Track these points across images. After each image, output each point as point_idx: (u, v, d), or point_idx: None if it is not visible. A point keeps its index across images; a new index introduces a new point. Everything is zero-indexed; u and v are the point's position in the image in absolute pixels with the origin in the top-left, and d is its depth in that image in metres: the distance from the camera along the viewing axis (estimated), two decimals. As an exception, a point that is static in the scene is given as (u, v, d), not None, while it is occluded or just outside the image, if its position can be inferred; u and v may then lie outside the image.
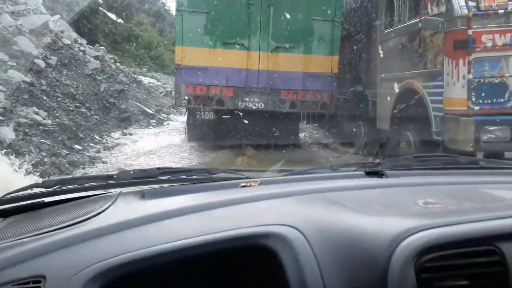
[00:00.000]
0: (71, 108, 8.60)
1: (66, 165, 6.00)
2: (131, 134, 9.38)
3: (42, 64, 9.14)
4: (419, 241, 0.72)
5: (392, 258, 0.71)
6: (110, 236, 0.82)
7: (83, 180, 1.26)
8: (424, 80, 5.20)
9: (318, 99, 7.25)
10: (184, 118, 8.91)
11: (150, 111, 12.46)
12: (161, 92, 17.94)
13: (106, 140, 8.40)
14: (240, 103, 7.08)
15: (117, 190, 1.14)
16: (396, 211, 0.91)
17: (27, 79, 8.29)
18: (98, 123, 9.14)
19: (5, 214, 1.09)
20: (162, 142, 8.55)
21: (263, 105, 7.11)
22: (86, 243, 0.80)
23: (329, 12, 7.05)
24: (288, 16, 6.92)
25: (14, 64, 8.41)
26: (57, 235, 0.83)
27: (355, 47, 7.86)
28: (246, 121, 7.20)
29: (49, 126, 7.22)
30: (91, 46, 13.42)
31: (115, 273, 0.74)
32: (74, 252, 0.79)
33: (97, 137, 8.31)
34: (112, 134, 8.94)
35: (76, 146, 7.11)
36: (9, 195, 1.14)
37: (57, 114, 7.83)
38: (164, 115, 13.55)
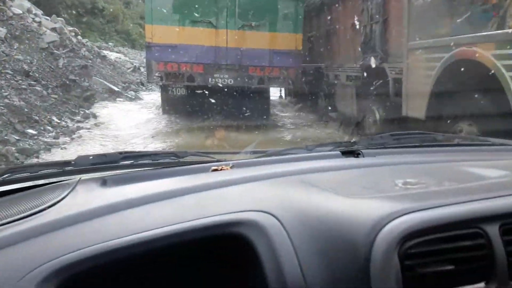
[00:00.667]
0: (23, 86, 7.52)
1: (16, 154, 5.14)
2: (95, 116, 8.38)
3: (-13, 36, 8.00)
4: (402, 226, 0.69)
5: (374, 244, 0.67)
6: (66, 229, 0.74)
7: (36, 168, 1.16)
8: (499, 46, 3.42)
9: (284, 75, 7.61)
10: (152, 96, 9.72)
11: (117, 89, 11.48)
12: (128, 68, 16.79)
13: (66, 122, 7.46)
14: (210, 79, 7.39)
15: (76, 177, 1.06)
16: (375, 192, 0.87)
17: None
18: (56, 103, 8.13)
19: None
20: (129, 123, 7.72)
21: (232, 81, 7.45)
22: (38, 238, 0.72)
23: None
24: None
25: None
26: (3, 231, 0.73)
27: (363, 8, 6.38)
28: (216, 97, 7.52)
29: (-5, 108, 6.25)
30: (47, 17, 12.12)
31: (72, 270, 0.67)
32: (24, 249, 0.70)
33: (56, 119, 7.36)
34: (74, 116, 7.98)
35: (30, 131, 6.17)
36: None
37: (6, 94, 6.80)
38: (132, 92, 12.52)
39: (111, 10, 31.68)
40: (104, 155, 1.23)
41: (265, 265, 0.69)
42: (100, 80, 11.11)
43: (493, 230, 0.72)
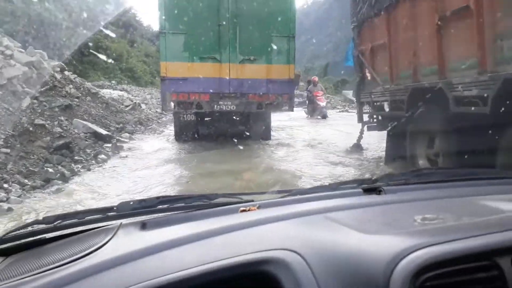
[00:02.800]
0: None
1: None
2: (64, 176, 5.73)
3: None
4: (417, 260, 0.72)
5: (391, 278, 0.70)
6: (110, 270, 0.80)
7: (83, 214, 1.20)
8: None
9: (280, 100, 8.78)
10: (153, 141, 9.58)
11: (105, 132, 8.99)
12: (127, 106, 14.46)
13: (17, 189, 4.96)
14: (215, 106, 8.53)
15: (118, 222, 1.12)
16: (394, 229, 0.89)
17: None
18: (8, 159, 5.68)
19: (6, 253, 1.06)
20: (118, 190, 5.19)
21: (234, 107, 8.60)
22: (87, 279, 0.78)
23: (285, 29, 8.60)
24: (251, 34, 8.47)
25: None
26: (57, 273, 0.81)
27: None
28: (222, 121, 9.24)
29: None
30: (22, 50, 9.91)
31: None
32: None
33: (4, 184, 4.92)
34: (30, 178, 5.47)
35: None
36: (10, 234, 1.13)
37: None
38: (127, 134, 10.10)
39: (116, 48, 30.89)
40: (144, 200, 1.27)
41: None
42: (83, 122, 8.68)
43: (506, 263, 0.74)
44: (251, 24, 8.49)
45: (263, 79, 8.66)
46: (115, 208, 1.20)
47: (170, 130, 11.10)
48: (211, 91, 8.42)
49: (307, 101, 17.14)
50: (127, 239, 0.98)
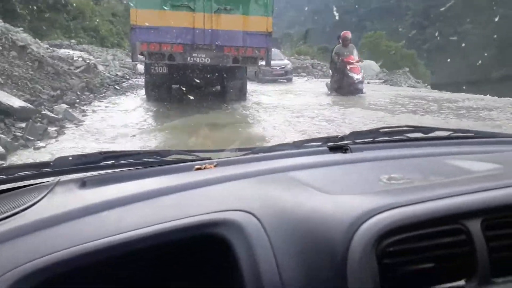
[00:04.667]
0: None
1: None
2: None
3: None
4: (379, 224, 0.68)
5: (351, 243, 0.66)
6: (42, 231, 0.74)
7: (13, 170, 1.10)
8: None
9: (257, 54, 8.28)
10: (105, 115, 7.34)
11: (18, 104, 5.73)
12: (78, 67, 11.12)
13: None
14: (189, 58, 7.98)
15: (54, 178, 1.04)
16: (358, 189, 0.85)
17: None
18: None
19: None
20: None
21: (209, 60, 8.06)
22: (12, 241, 0.72)
23: None
24: None
25: None
26: None
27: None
28: (196, 74, 8.62)
29: None
30: None
31: (47, 273, 0.67)
32: None
33: None
34: None
35: None
36: None
37: None
38: (63, 107, 6.87)
39: (74, 5, 27.87)
40: (84, 155, 1.17)
41: (242, 266, 0.69)
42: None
43: (474, 226, 0.71)
44: None
45: (240, 31, 8.17)
46: (51, 163, 1.10)
47: (132, 100, 9.72)
48: (184, 42, 7.93)
49: (330, 70, 12.30)
50: (63, 198, 0.92)
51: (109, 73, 13.12)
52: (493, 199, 0.73)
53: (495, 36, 36.72)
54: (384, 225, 0.66)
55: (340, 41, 11.06)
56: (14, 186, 1.01)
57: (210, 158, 1.17)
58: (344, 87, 10.68)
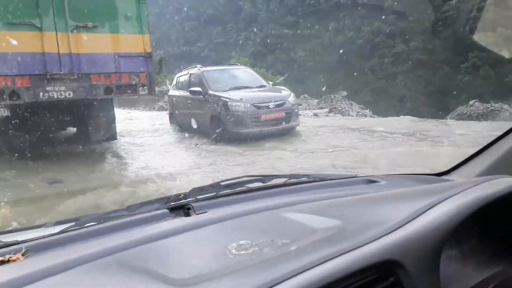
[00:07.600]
0: None
1: None
2: None
3: None
4: None
5: None
6: None
7: None
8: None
9: (135, 80, 6.82)
10: None
11: None
12: None
13: None
14: (41, 93, 6.15)
15: None
16: (204, 271, 0.75)
17: None
18: None
19: None
20: None
21: (71, 93, 6.36)
22: None
23: None
24: None
25: None
26: None
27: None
28: (52, 115, 6.90)
29: None
30: None
31: None
32: None
33: None
34: None
35: None
36: None
37: None
38: None
39: None
40: None
41: None
42: None
43: None
44: None
45: (110, 53, 6.67)
46: None
47: None
48: (32, 72, 6.07)
49: None
50: None
51: None
52: (328, 275, 0.72)
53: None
54: None
55: None
56: None
57: (16, 242, 0.93)
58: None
